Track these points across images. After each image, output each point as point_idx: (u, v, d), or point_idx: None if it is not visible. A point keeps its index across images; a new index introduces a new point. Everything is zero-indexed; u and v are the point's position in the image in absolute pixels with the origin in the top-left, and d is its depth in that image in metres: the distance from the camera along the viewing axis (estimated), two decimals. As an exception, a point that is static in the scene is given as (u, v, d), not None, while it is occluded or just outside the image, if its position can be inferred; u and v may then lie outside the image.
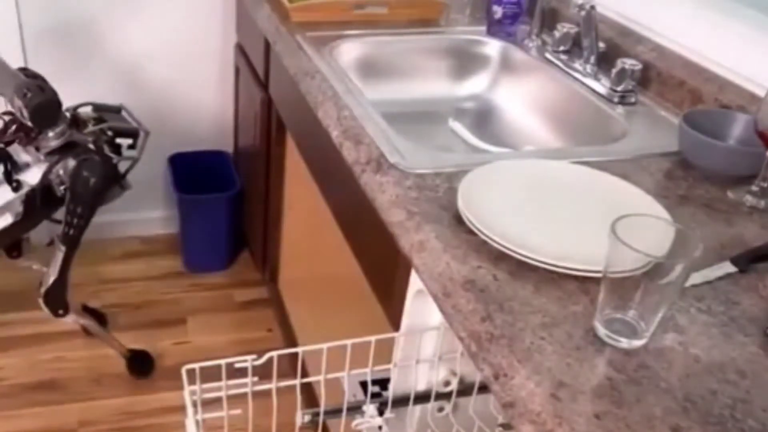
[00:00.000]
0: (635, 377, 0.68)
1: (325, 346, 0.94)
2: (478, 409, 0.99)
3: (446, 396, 1.00)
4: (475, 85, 1.57)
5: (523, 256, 0.81)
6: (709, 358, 0.71)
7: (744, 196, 0.99)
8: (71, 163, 1.60)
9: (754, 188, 0.99)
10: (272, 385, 0.95)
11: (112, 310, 2.09)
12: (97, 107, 1.73)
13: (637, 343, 0.72)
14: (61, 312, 1.73)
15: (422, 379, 1.02)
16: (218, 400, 0.94)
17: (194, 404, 0.93)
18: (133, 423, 1.80)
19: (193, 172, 2.27)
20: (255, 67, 1.90)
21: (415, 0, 1.66)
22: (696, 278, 0.80)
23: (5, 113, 1.63)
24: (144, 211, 2.40)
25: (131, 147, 1.71)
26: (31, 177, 1.61)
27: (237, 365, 0.90)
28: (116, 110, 1.77)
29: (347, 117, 1.18)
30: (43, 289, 1.69)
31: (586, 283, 0.79)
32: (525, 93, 1.49)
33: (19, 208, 1.59)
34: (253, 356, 0.91)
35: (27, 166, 1.63)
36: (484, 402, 0.97)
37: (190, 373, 0.92)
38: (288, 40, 1.51)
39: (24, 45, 2.05)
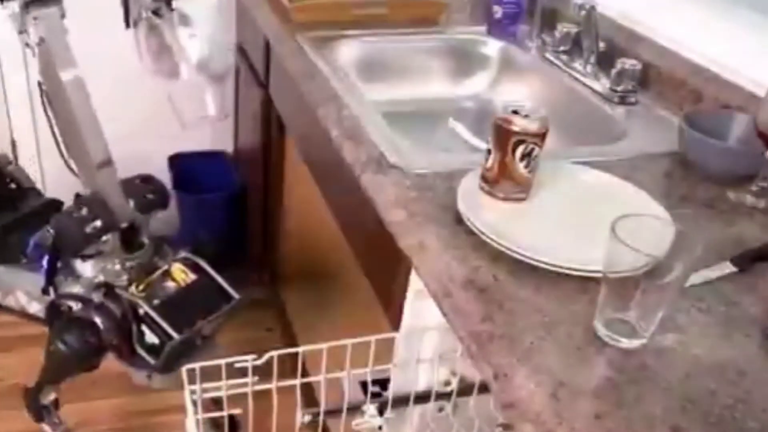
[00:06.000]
0: (635, 377, 0.68)
1: (325, 346, 0.94)
2: (478, 409, 0.98)
3: (446, 396, 1.00)
4: (475, 85, 1.57)
5: (523, 256, 0.81)
6: (709, 358, 0.71)
7: (744, 196, 0.99)
8: (76, 312, 1.33)
9: (754, 188, 0.98)
10: (272, 385, 0.95)
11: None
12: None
13: (637, 343, 0.72)
14: (31, 416, 1.55)
15: (422, 379, 1.02)
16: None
17: (194, 404, 0.93)
18: (133, 423, 1.80)
19: (193, 172, 2.27)
20: (255, 67, 1.90)
21: (415, 0, 1.66)
22: (696, 278, 0.80)
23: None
24: (144, 211, 2.40)
25: (153, 350, 1.32)
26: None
27: (237, 365, 0.90)
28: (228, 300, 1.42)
29: (347, 117, 1.18)
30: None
31: (586, 283, 0.78)
32: (525, 93, 1.48)
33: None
34: (253, 356, 0.91)
35: (77, 279, 1.41)
36: (484, 402, 0.97)
37: (190, 372, 0.92)
38: (288, 40, 1.50)
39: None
